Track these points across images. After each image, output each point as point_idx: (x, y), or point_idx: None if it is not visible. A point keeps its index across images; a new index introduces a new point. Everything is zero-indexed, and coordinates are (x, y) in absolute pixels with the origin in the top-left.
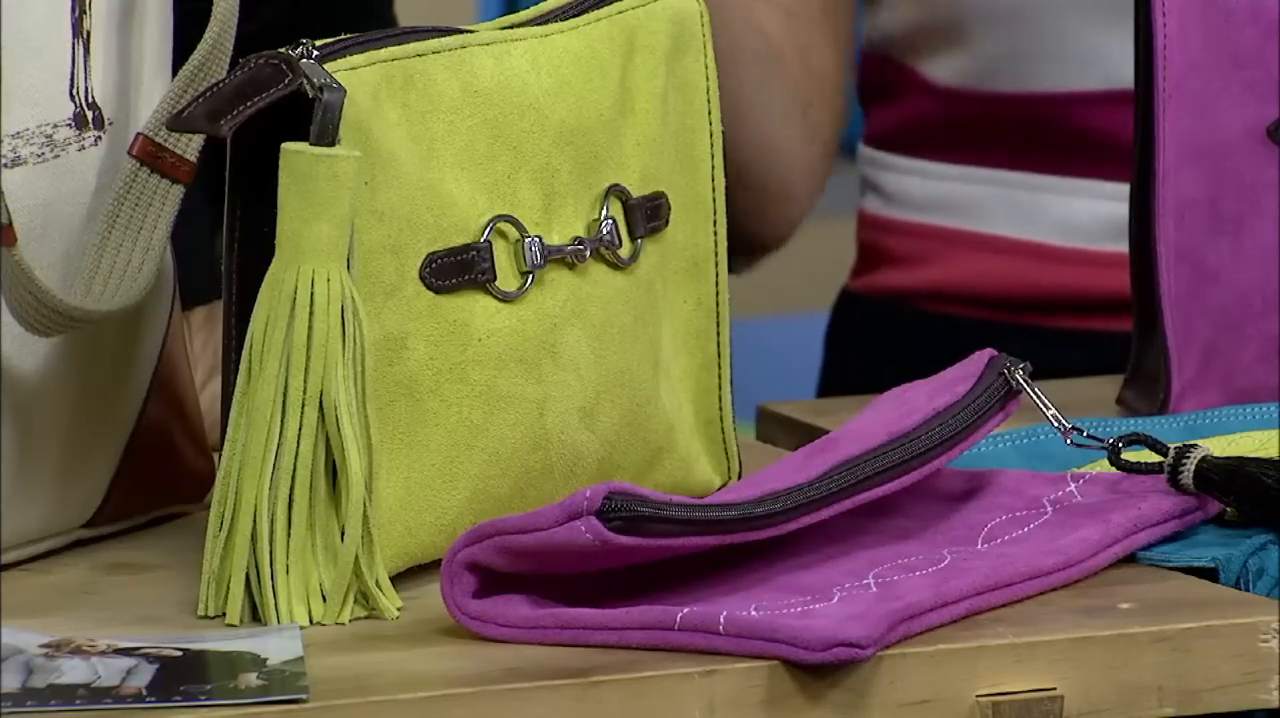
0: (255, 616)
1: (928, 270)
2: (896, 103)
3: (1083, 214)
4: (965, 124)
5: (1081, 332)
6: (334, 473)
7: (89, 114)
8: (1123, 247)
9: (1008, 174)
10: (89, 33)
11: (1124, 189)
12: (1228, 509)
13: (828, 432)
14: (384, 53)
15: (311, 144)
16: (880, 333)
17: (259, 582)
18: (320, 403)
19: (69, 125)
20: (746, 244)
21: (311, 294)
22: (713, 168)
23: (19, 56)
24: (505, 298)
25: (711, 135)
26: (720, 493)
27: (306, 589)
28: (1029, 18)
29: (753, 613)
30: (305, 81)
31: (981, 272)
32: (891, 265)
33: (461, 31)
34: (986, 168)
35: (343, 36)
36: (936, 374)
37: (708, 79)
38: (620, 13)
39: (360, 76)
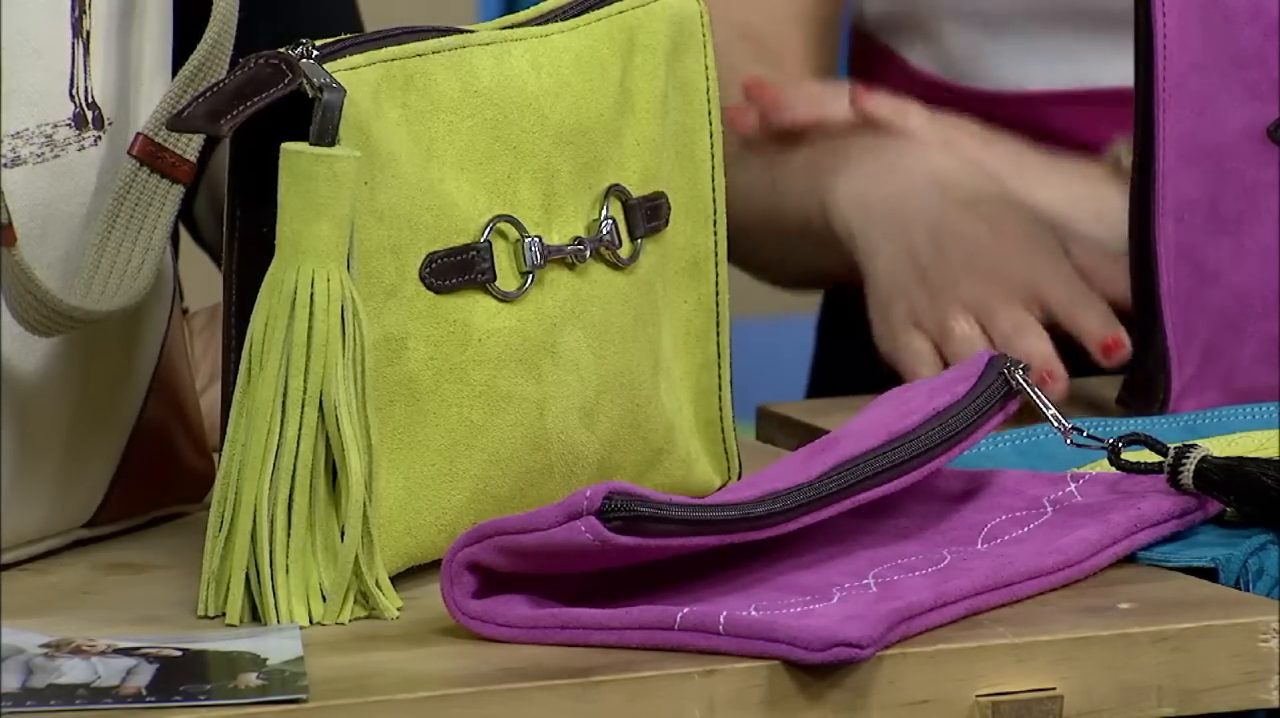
0: (255, 616)
1: None
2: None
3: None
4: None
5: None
6: (334, 473)
7: (89, 114)
8: None
9: None
10: (89, 33)
11: None
12: (1228, 509)
13: (828, 432)
14: (384, 53)
15: (311, 144)
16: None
17: (259, 582)
18: (320, 403)
19: (69, 125)
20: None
21: (311, 294)
22: (713, 168)
23: (19, 56)
24: (505, 298)
25: (711, 135)
26: (720, 493)
27: (306, 589)
28: (990, 18)
29: (752, 613)
30: (305, 81)
31: None
32: None
33: (461, 31)
34: None
35: (342, 36)
36: (936, 374)
37: (708, 79)
38: (620, 13)
39: (360, 76)
